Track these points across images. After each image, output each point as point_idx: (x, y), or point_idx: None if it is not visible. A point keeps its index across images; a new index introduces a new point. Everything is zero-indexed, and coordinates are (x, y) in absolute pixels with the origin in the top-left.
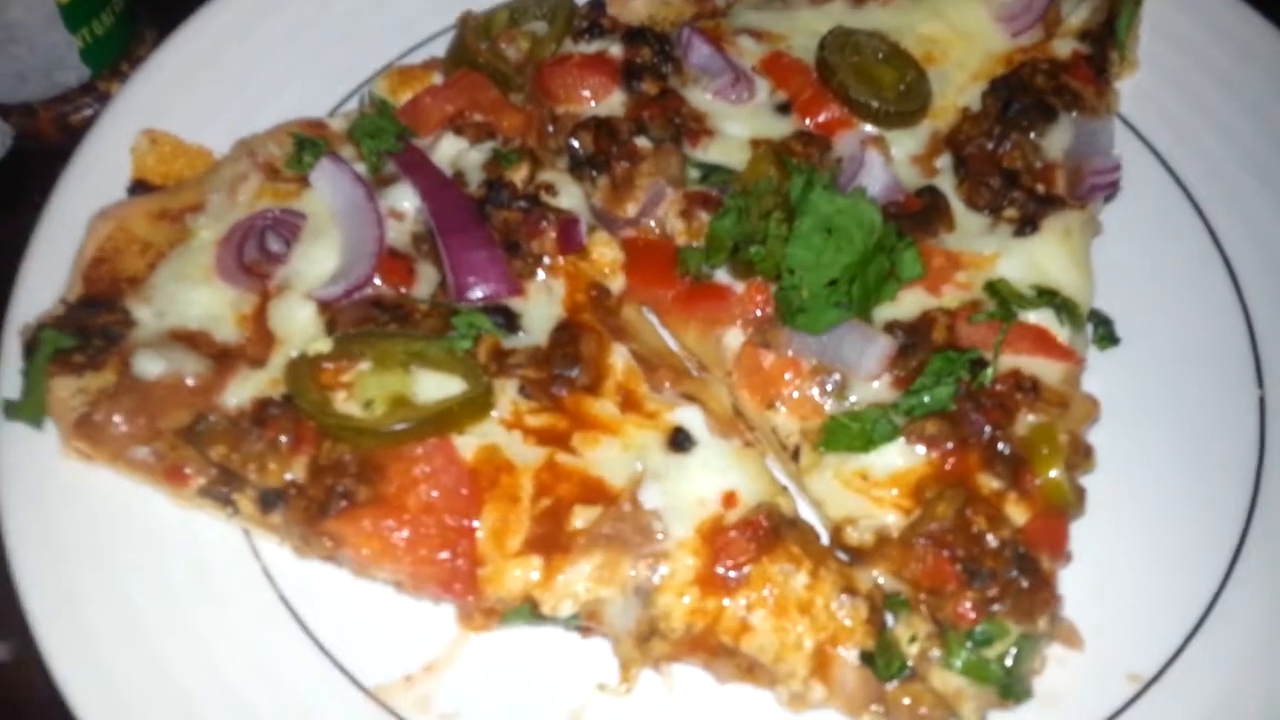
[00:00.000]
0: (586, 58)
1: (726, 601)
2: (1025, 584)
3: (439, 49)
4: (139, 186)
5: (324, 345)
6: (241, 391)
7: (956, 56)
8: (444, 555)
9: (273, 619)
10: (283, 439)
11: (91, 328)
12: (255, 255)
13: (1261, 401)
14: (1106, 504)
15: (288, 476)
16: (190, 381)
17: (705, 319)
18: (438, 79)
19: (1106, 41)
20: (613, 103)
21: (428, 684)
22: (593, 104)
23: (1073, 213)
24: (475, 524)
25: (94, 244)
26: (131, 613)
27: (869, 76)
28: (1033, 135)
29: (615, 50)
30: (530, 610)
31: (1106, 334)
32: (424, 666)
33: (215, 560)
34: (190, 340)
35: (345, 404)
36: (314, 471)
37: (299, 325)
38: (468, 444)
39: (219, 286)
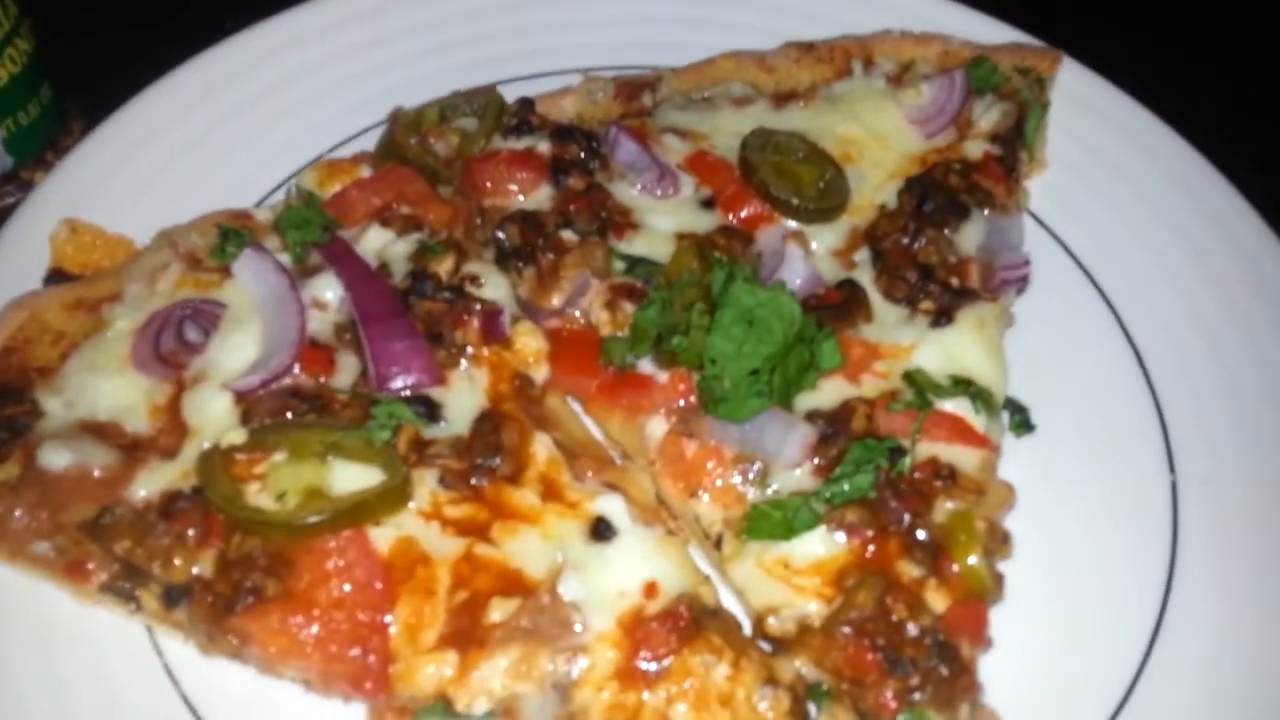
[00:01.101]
0: (515, 153)
1: (646, 695)
2: (946, 672)
3: (368, 143)
4: (56, 276)
5: (238, 436)
6: (150, 483)
7: (873, 156)
8: (355, 652)
9: (174, 718)
10: (190, 533)
11: None
12: (172, 345)
13: (1174, 486)
14: (1025, 589)
15: (194, 571)
16: (97, 473)
17: (629, 408)
18: (366, 172)
19: (1015, 143)
20: (540, 197)
21: None
22: (520, 198)
23: (986, 305)
24: (388, 619)
25: (5, 334)
26: (20, 711)
27: (789, 174)
28: (946, 231)
29: (543, 147)
30: (444, 708)
31: (1022, 421)
32: None
33: (115, 659)
34: (99, 431)
35: (258, 496)
36: (221, 566)
37: (214, 416)
38: (383, 536)
39: (133, 377)
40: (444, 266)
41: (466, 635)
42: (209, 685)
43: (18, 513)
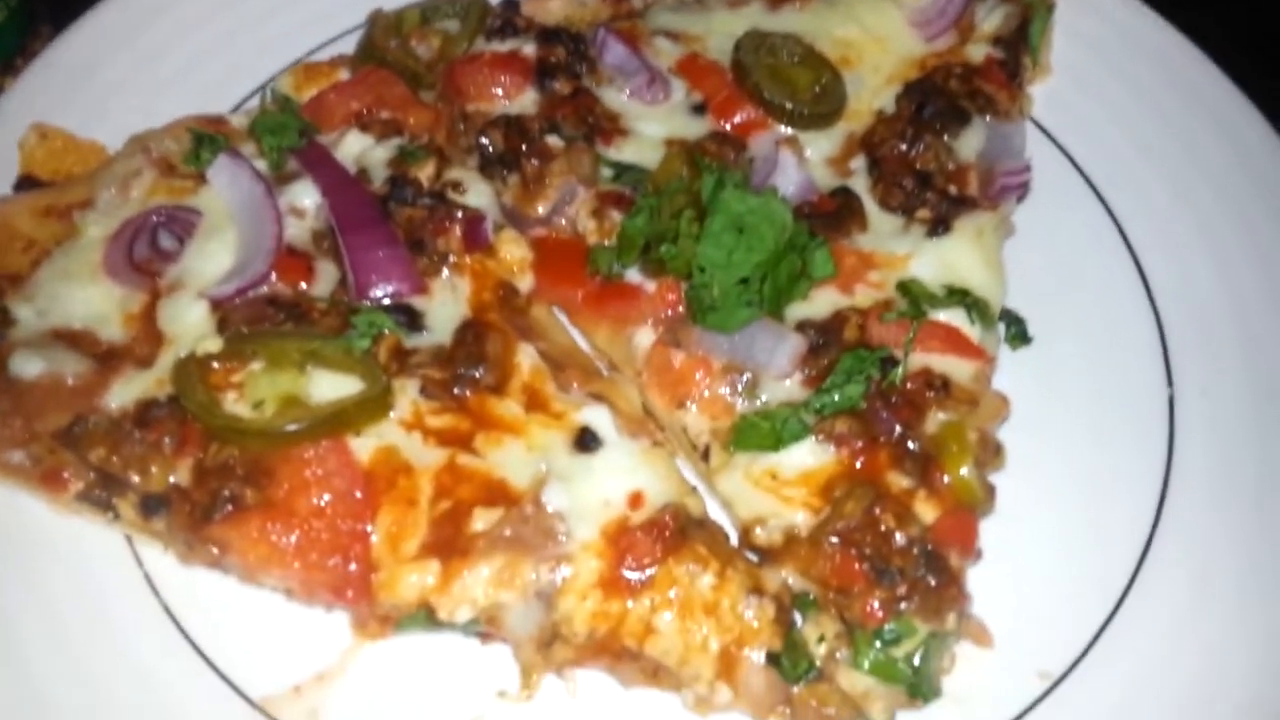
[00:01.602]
0: (499, 56)
1: (630, 604)
2: (933, 582)
3: (347, 46)
4: (26, 182)
5: (214, 344)
6: (125, 392)
7: (871, 60)
8: (336, 561)
9: (155, 627)
10: (166, 441)
11: None
12: (146, 253)
13: (1171, 400)
14: (1016, 502)
15: (171, 480)
16: (71, 381)
17: (616, 318)
18: (344, 76)
19: (1019, 47)
20: (525, 102)
21: (317, 694)
22: (504, 103)
23: (985, 214)
24: (370, 528)
25: None
26: (3, 623)
27: (784, 78)
28: (946, 138)
29: (529, 49)
30: (427, 617)
31: (1018, 333)
32: (314, 676)
33: (94, 569)
34: (73, 340)
35: (235, 405)
36: (199, 475)
37: (189, 324)
38: (364, 445)
39: (106, 285)
40: (425, 172)
41: (449, 544)
42: (189, 595)
43: None
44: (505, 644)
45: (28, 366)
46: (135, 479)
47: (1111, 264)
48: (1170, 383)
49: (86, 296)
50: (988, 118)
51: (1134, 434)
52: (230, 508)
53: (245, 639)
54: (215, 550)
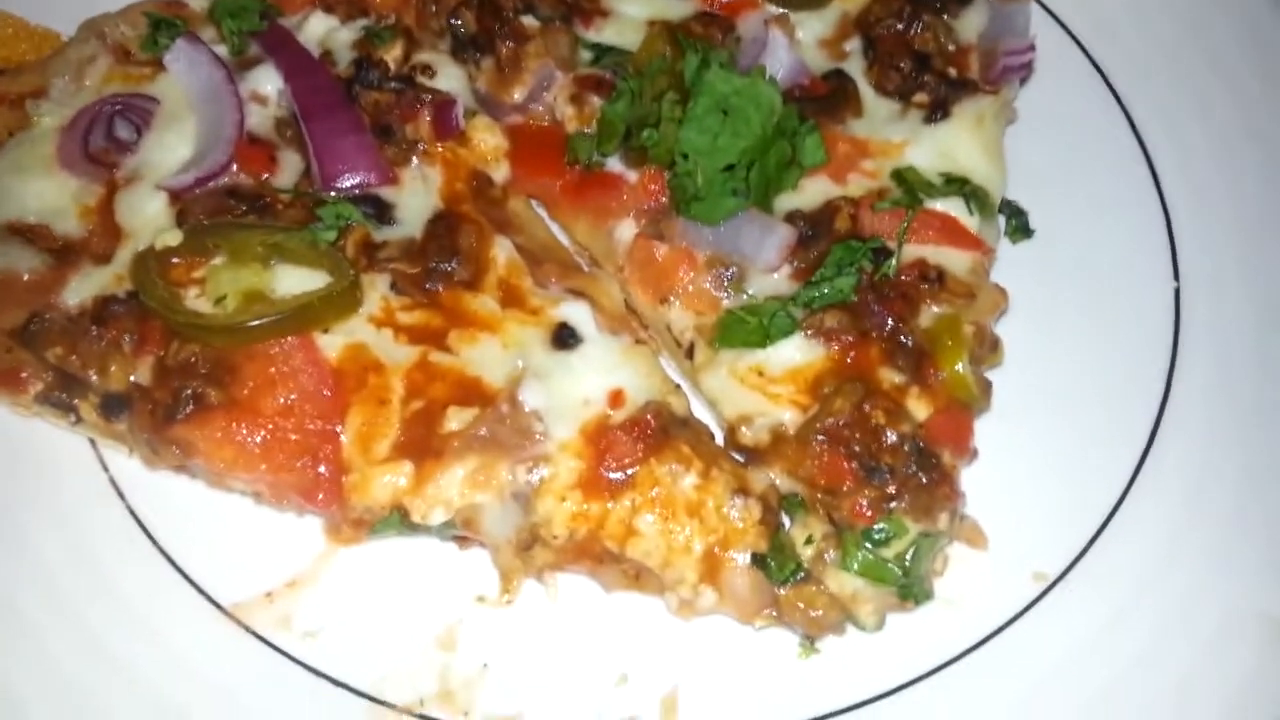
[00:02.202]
0: None
1: (611, 505)
2: (925, 480)
3: None
4: None
5: (174, 237)
6: (83, 289)
7: None
8: (304, 462)
9: (121, 535)
10: (126, 339)
11: None
12: (102, 143)
13: (1177, 294)
14: (1014, 400)
15: (132, 379)
16: (26, 278)
17: (596, 210)
18: None
19: None
20: None
21: (289, 601)
22: None
23: (986, 98)
24: (339, 428)
25: None
26: None
27: None
28: (945, 17)
29: None
30: (401, 520)
31: (1019, 225)
32: (286, 583)
33: (58, 473)
34: (28, 234)
35: (196, 301)
36: (160, 373)
37: (148, 217)
38: (332, 343)
39: (61, 177)
40: (392, 54)
41: (422, 445)
42: (156, 500)
43: None
44: (483, 548)
45: None
46: (95, 378)
47: (1117, 152)
48: (1176, 276)
49: (41, 189)
50: None
51: (1138, 330)
52: (193, 407)
53: (215, 545)
54: (179, 452)
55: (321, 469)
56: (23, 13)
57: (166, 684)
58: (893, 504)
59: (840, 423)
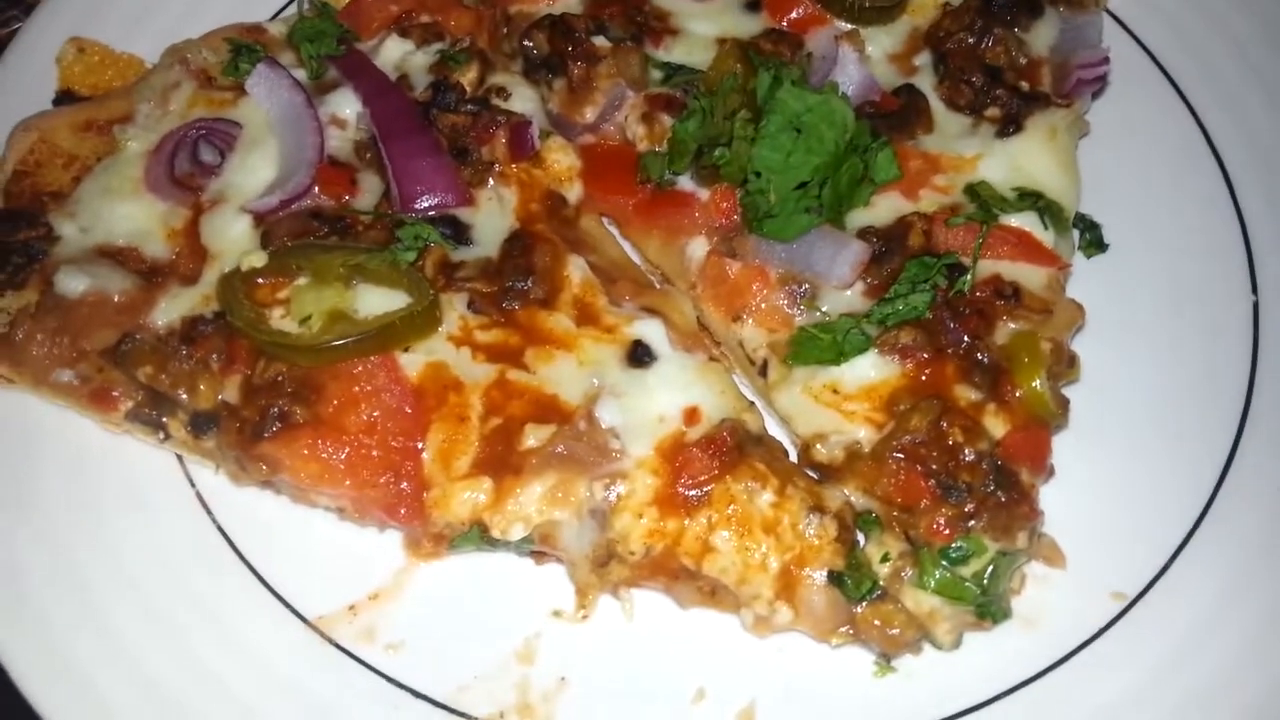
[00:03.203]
0: None
1: (687, 522)
2: (1003, 499)
3: None
4: (65, 97)
5: (259, 259)
6: (171, 309)
7: None
8: (387, 478)
9: (208, 549)
10: (214, 358)
11: (11, 244)
12: (187, 167)
13: (1255, 308)
14: (1091, 416)
15: (220, 398)
16: (117, 299)
17: (668, 228)
18: None
19: None
20: (569, 1)
21: (372, 614)
22: (548, 3)
23: (1058, 111)
24: (421, 445)
25: (15, 156)
26: (59, 545)
27: None
28: (1016, 30)
29: None
30: (480, 535)
31: (1093, 240)
32: (368, 595)
33: (147, 489)
34: (117, 256)
35: (281, 321)
36: (248, 392)
37: (233, 239)
38: (413, 361)
39: (148, 200)
40: (467, 77)
41: (501, 462)
42: (242, 515)
43: (38, 339)
44: (560, 564)
45: (73, 284)
46: (184, 396)
47: (1193, 165)
48: (1255, 290)
49: (129, 212)
50: (1061, 8)
51: (1216, 344)
52: (280, 425)
53: (299, 559)
54: (266, 468)
55: (404, 485)
56: (107, 40)
57: (253, 694)
58: (971, 522)
59: (917, 440)
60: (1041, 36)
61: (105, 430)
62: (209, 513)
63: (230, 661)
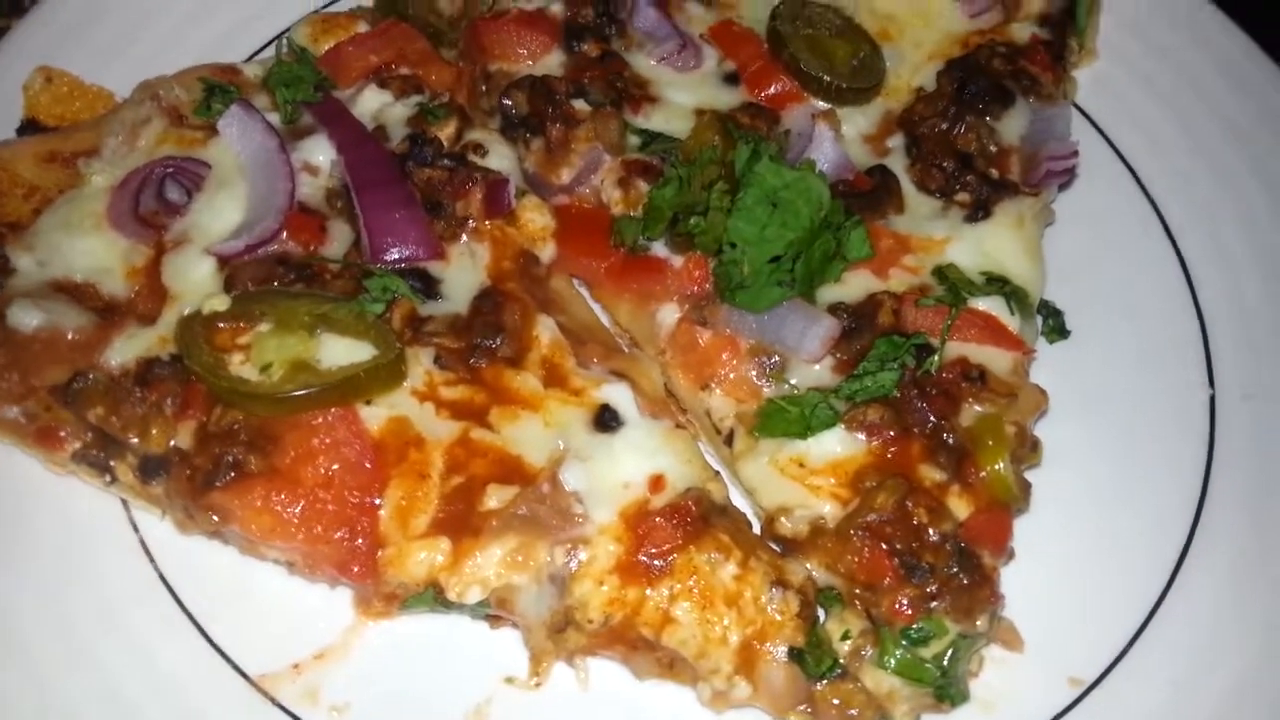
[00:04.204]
0: (525, 14)
1: (649, 591)
2: (965, 581)
3: None
4: (29, 126)
5: (221, 303)
6: (126, 349)
7: (912, 35)
8: (342, 534)
9: (150, 599)
10: (169, 402)
11: None
12: (152, 204)
13: (1212, 401)
14: (1051, 501)
15: (172, 443)
16: (71, 336)
17: (640, 293)
18: (363, 28)
19: (1066, 28)
20: (550, 63)
21: (317, 673)
22: (529, 63)
23: (1026, 199)
24: (378, 501)
25: None
26: None
27: (821, 50)
28: (988, 119)
29: (556, 8)
30: (434, 596)
31: (1056, 326)
32: (314, 654)
33: (88, 532)
34: (74, 292)
35: (241, 367)
36: (201, 439)
37: (195, 281)
38: (374, 415)
39: (110, 236)
40: (445, 132)
41: (461, 522)
42: (187, 565)
43: None
44: (515, 628)
45: (26, 318)
46: (134, 440)
47: (1153, 258)
48: (1211, 384)
49: (89, 248)
50: (1031, 100)
51: (1174, 435)
52: (233, 474)
53: (243, 613)
54: (216, 518)
55: (358, 541)
56: (77, 71)
57: None
58: (934, 603)
59: (882, 518)
60: (1012, 126)
61: (49, 470)
62: (152, 561)
63: (167, 715)
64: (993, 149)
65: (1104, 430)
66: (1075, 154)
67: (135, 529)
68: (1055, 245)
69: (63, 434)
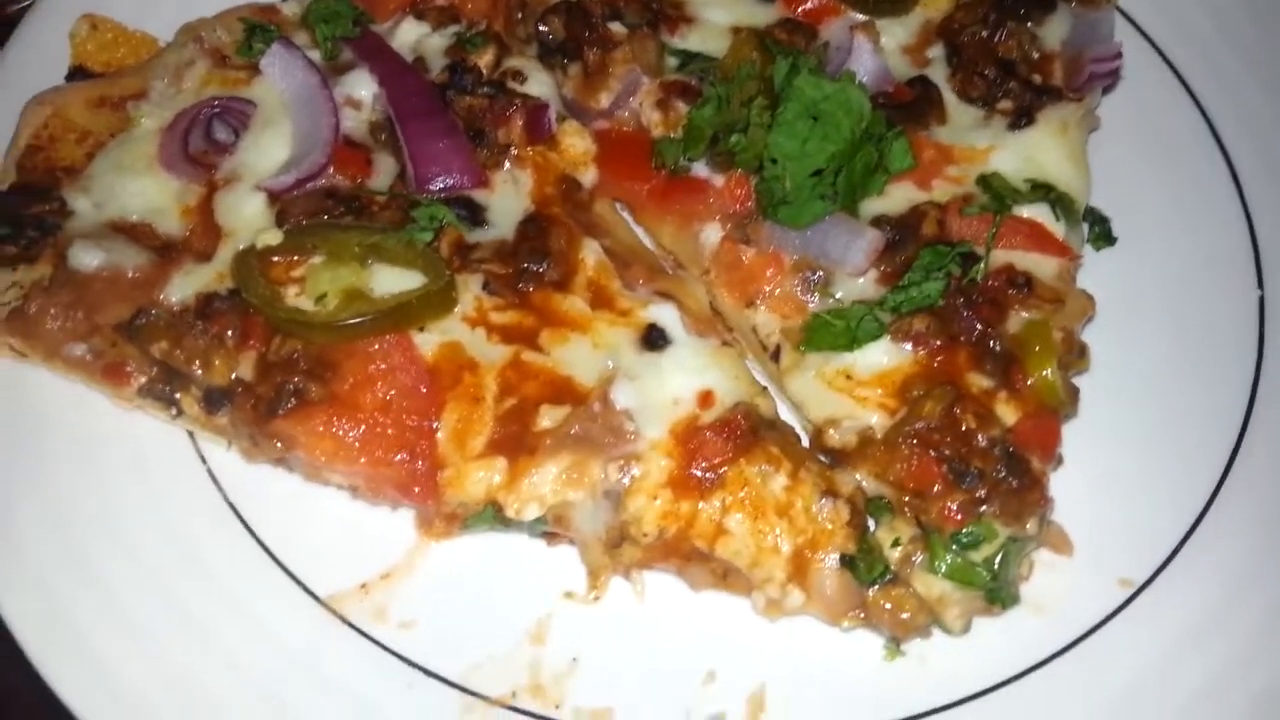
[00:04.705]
0: None
1: (701, 504)
2: (1015, 485)
3: None
4: (78, 73)
5: (274, 237)
6: (185, 286)
7: None
8: (402, 457)
9: (220, 526)
10: (229, 334)
11: (25, 218)
12: (201, 144)
13: (1261, 302)
14: (1100, 405)
15: (234, 374)
16: (131, 274)
17: (682, 214)
18: None
19: None
20: None
21: (384, 592)
22: None
23: (1070, 105)
24: (435, 424)
25: (28, 131)
26: (67, 519)
27: None
28: (1029, 24)
29: None
30: (494, 515)
31: (1102, 233)
32: (380, 575)
33: (158, 464)
34: (131, 232)
35: (296, 299)
36: (263, 369)
37: (247, 217)
38: (428, 341)
39: (162, 177)
40: (484, 59)
41: (516, 442)
42: (254, 492)
43: (52, 312)
44: (572, 546)
45: (87, 258)
46: (198, 372)
47: (1199, 161)
48: (1260, 285)
49: (142, 189)
50: (1073, 3)
51: (1222, 338)
52: (294, 402)
53: (311, 537)
54: (280, 445)
55: (418, 464)
56: (120, 17)
57: (264, 670)
58: (983, 508)
59: (930, 426)
60: (1054, 31)
61: (116, 406)
62: (220, 490)
63: (241, 638)
64: (1035, 55)
65: (1152, 334)
66: (1119, 55)
67: (203, 460)
68: (1101, 151)
69: (129, 369)
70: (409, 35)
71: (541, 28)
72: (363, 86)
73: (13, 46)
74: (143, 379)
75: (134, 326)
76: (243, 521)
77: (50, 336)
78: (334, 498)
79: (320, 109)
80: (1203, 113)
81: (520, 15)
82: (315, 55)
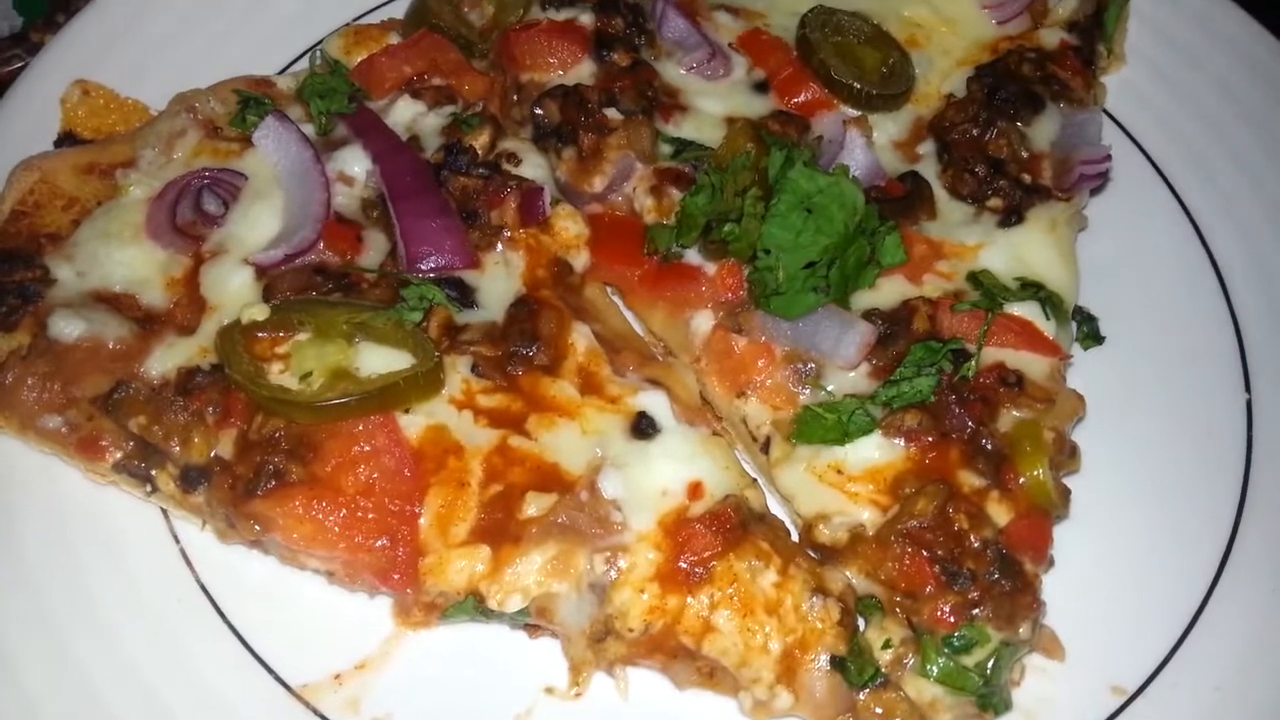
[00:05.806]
0: (556, 24)
1: (689, 599)
2: (1007, 587)
3: (398, 10)
4: (67, 139)
5: (260, 312)
6: (167, 359)
7: (941, 42)
8: (382, 542)
9: (191, 609)
10: (210, 411)
11: (6, 285)
12: (190, 215)
13: (1249, 406)
14: (1090, 507)
15: (213, 452)
16: (111, 346)
17: (674, 301)
18: (395, 40)
19: (1094, 34)
20: (581, 73)
21: (358, 683)
22: (560, 73)
23: (1059, 204)
24: (418, 509)
25: (14, 196)
26: (35, 599)
27: (851, 57)
28: (1019, 124)
29: (586, 19)
30: (475, 605)
31: (1090, 332)
32: (355, 665)
33: (130, 543)
34: (114, 303)
35: (280, 376)
36: (242, 447)
37: (234, 291)
38: (413, 423)
39: (148, 247)
40: (480, 141)
41: (500, 530)
42: (227, 574)
43: (29, 383)
44: (554, 638)
45: (68, 328)
46: (176, 449)
47: (1186, 262)
48: (1248, 388)
49: (127, 258)
50: (1062, 105)
51: (1212, 440)
52: (274, 483)
53: (284, 623)
54: (257, 527)
55: (399, 550)
56: (112, 84)
57: None
58: (975, 610)
59: (922, 525)
60: (1043, 131)
61: (89, 480)
62: (193, 571)
63: None
64: (1024, 154)
65: (1142, 436)
66: (1108, 158)
67: (176, 539)
68: (1088, 251)
69: (104, 443)
70: (404, 114)
71: (537, 111)
72: (356, 163)
73: (2, 109)
74: (118, 454)
75: (112, 400)
76: (214, 605)
77: (26, 407)
78: (310, 582)
79: (312, 184)
80: (1189, 215)
81: (516, 98)
82: (309, 129)
